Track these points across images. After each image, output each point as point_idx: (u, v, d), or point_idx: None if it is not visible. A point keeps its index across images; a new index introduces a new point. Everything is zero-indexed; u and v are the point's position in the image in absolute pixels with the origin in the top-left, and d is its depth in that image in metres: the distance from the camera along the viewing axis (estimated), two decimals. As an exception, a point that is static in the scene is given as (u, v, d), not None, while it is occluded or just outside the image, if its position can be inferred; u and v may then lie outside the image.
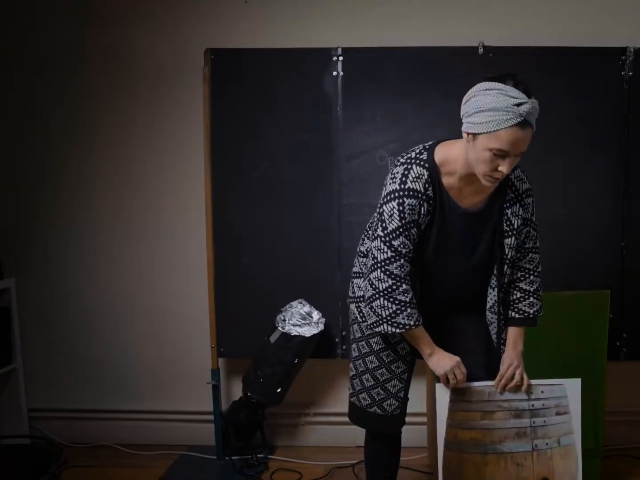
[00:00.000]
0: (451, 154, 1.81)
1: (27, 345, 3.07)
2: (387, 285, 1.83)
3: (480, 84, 1.70)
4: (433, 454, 2.73)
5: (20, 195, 3.06)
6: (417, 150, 1.84)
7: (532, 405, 1.90)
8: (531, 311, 2.00)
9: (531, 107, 1.63)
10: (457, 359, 1.89)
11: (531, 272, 2.00)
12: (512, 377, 1.91)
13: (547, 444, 1.91)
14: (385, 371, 2.00)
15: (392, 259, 1.82)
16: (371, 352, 2.01)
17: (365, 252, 2.02)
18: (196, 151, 2.84)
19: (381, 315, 1.85)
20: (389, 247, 1.82)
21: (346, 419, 2.49)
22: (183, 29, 2.90)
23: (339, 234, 2.76)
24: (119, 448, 3.04)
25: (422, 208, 1.80)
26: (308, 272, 2.78)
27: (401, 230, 1.80)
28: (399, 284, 1.83)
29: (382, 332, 1.88)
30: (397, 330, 1.85)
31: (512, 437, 1.89)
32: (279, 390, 2.72)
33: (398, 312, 1.83)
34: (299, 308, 2.71)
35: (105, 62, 2.95)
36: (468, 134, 1.72)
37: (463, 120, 1.74)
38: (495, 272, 1.93)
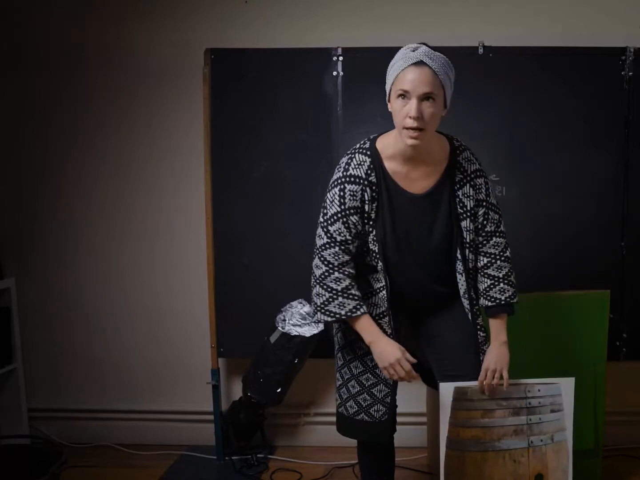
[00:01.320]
0: (389, 139, 1.88)
1: (27, 345, 3.07)
2: (320, 272, 1.87)
3: None
4: (433, 454, 2.73)
5: (20, 195, 3.06)
6: (362, 141, 1.91)
7: (529, 404, 1.93)
8: (503, 297, 1.96)
9: (426, 49, 1.75)
10: (400, 351, 1.84)
11: (497, 257, 1.97)
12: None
13: (541, 440, 1.94)
14: (370, 376, 1.99)
15: (327, 245, 1.86)
16: (355, 358, 2.00)
17: None
18: (196, 151, 2.84)
19: (317, 303, 1.88)
20: (325, 233, 1.87)
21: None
22: (183, 29, 2.90)
23: (339, 234, 2.76)
24: (119, 448, 3.04)
25: (365, 194, 1.85)
26: (308, 272, 2.76)
27: (339, 216, 1.85)
28: (331, 271, 1.85)
29: (319, 320, 1.89)
30: (328, 319, 1.86)
31: (509, 435, 1.92)
32: (279, 390, 2.72)
33: (330, 300, 1.85)
34: (299, 308, 2.71)
35: (105, 61, 2.95)
36: (388, 99, 1.82)
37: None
38: (459, 257, 1.93)
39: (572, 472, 2.00)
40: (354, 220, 1.85)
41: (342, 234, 1.85)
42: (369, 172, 1.85)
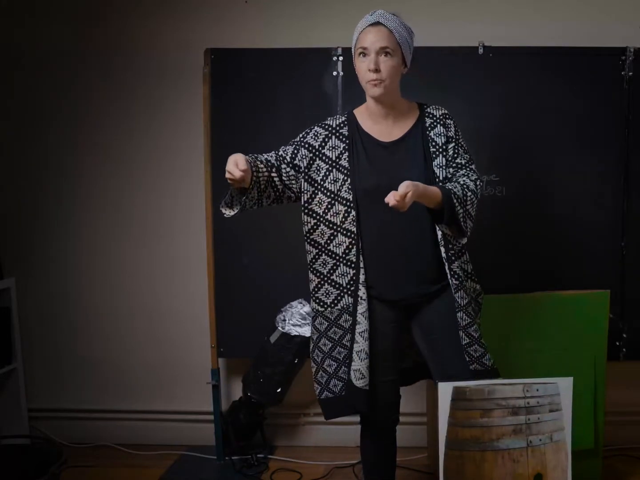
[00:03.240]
0: (363, 105, 2.05)
1: (27, 345, 3.07)
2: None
3: None
4: (433, 454, 2.73)
5: (20, 195, 3.06)
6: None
7: (528, 403, 1.93)
8: (453, 190, 1.89)
9: (382, 12, 1.93)
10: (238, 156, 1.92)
11: (467, 173, 1.98)
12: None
13: (540, 439, 1.94)
14: (341, 349, 1.99)
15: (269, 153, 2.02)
16: (320, 335, 2.01)
17: None
18: (196, 151, 2.84)
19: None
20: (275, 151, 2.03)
21: (346, 418, 2.48)
22: (183, 29, 2.90)
23: (339, 234, 2.76)
24: (119, 448, 3.04)
25: (330, 140, 1.99)
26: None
27: (293, 142, 2.03)
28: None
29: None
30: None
31: (508, 434, 1.92)
32: (279, 390, 2.72)
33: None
34: (299, 308, 2.71)
35: (105, 61, 2.95)
36: (354, 65, 1.98)
37: None
38: None
39: (572, 472, 2.00)
40: (303, 153, 1.99)
41: (285, 151, 2.01)
42: (341, 125, 2.01)
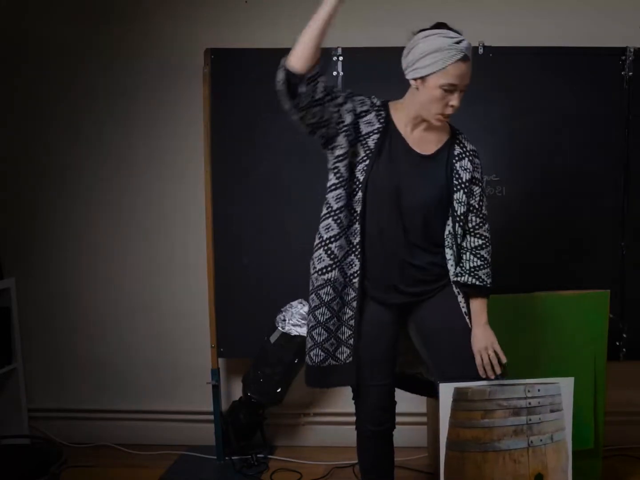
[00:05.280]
0: (401, 105, 1.98)
1: (27, 345, 3.07)
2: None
3: (417, 34, 1.90)
4: (433, 454, 2.73)
5: (20, 195, 3.06)
6: (372, 97, 2.01)
7: (529, 403, 1.93)
8: (489, 281, 1.99)
9: (468, 43, 1.84)
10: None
11: (489, 242, 2.02)
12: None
13: (541, 440, 1.94)
14: (337, 321, 1.98)
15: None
16: (321, 304, 1.99)
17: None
18: (196, 151, 2.84)
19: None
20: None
21: (346, 418, 2.48)
22: (183, 29, 2.90)
23: (339, 234, 2.76)
24: (119, 448, 3.04)
25: (369, 115, 1.93)
26: (308, 272, 2.77)
27: (342, 93, 1.92)
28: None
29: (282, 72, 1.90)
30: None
31: (509, 435, 1.92)
32: (279, 390, 2.72)
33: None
34: (299, 308, 2.71)
35: (105, 61, 2.95)
36: (416, 79, 1.87)
37: (407, 71, 1.90)
38: (450, 230, 1.95)
39: (572, 472, 2.00)
40: (348, 108, 1.90)
41: (336, 94, 1.89)
42: (380, 107, 1.95)
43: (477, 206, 1.99)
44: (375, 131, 1.92)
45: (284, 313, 2.69)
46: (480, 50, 2.67)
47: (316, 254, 2.00)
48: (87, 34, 2.94)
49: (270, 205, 2.78)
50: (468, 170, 1.96)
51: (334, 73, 2.72)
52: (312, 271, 2.04)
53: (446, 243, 1.97)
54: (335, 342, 1.99)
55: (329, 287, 1.96)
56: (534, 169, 2.73)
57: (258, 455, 2.87)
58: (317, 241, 1.99)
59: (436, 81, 1.83)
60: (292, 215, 2.78)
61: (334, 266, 1.96)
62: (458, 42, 1.81)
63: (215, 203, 2.78)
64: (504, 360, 1.94)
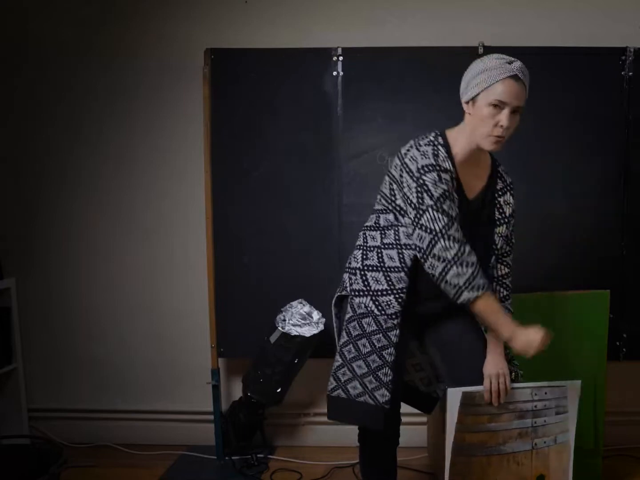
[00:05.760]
0: (458, 138, 1.91)
1: (27, 345, 3.07)
2: (454, 251, 1.80)
3: (473, 62, 1.88)
4: (433, 454, 2.73)
5: (21, 195, 3.06)
6: (433, 135, 1.91)
7: (535, 406, 1.93)
8: (512, 310, 2.03)
9: (521, 65, 1.81)
10: (540, 330, 1.85)
11: (511, 270, 2.06)
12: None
13: (545, 442, 1.94)
14: (376, 357, 1.94)
15: (450, 224, 1.81)
16: (363, 335, 1.95)
17: (383, 228, 1.97)
18: (196, 151, 2.84)
19: (459, 284, 1.79)
20: (442, 213, 1.82)
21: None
22: (183, 29, 2.90)
23: (339, 234, 2.76)
24: (119, 448, 3.04)
25: (454, 185, 1.87)
26: (308, 272, 2.78)
27: (447, 195, 1.83)
28: (464, 247, 1.80)
29: (464, 301, 1.81)
30: (479, 292, 1.78)
31: (514, 438, 1.92)
32: (279, 390, 2.72)
33: (474, 273, 1.79)
34: (299, 308, 2.71)
35: (105, 61, 2.95)
36: (468, 102, 1.85)
37: (462, 96, 1.87)
38: (489, 263, 1.98)
39: (572, 472, 1.99)
40: (456, 197, 1.86)
41: (454, 210, 1.84)
42: (452, 167, 1.87)
43: (509, 235, 2.03)
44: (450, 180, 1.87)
45: (284, 313, 2.69)
46: (480, 50, 2.67)
47: (385, 299, 1.93)
48: (87, 34, 2.94)
49: (270, 205, 2.78)
50: (510, 205, 1.99)
51: (334, 73, 2.72)
52: (375, 312, 1.95)
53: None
54: (375, 381, 1.94)
55: (397, 329, 1.93)
56: (534, 169, 2.73)
57: (258, 455, 2.87)
58: (385, 284, 1.92)
59: (485, 99, 1.80)
60: (292, 215, 2.78)
61: (399, 312, 1.93)
62: (510, 63, 1.80)
63: (215, 203, 2.79)
64: (508, 392, 1.91)
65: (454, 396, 1.91)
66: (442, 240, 1.81)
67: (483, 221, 1.96)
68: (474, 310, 1.84)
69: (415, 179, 1.84)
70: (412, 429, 2.80)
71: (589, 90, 2.68)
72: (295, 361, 2.68)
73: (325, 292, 2.74)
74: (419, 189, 1.84)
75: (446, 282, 1.82)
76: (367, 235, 2.01)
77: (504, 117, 1.79)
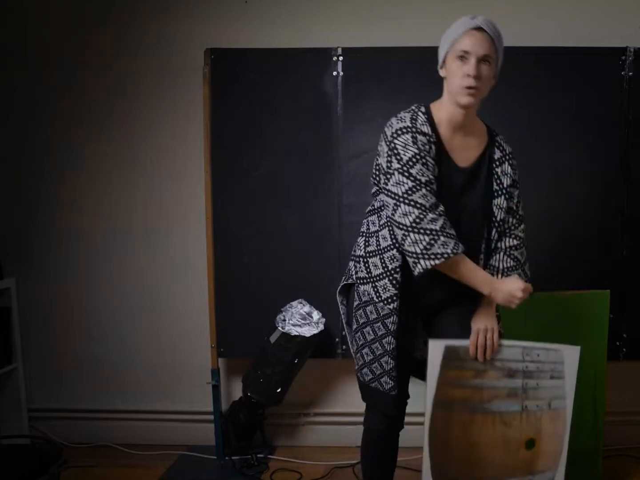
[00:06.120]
0: (440, 105, 1.93)
1: (27, 345, 3.07)
2: (413, 217, 1.79)
3: None
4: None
5: (21, 195, 3.06)
6: (416, 105, 1.93)
7: (527, 367, 1.86)
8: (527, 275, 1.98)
9: (485, 18, 1.83)
10: (519, 280, 1.84)
11: (524, 243, 2.01)
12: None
13: (537, 406, 1.86)
14: (379, 345, 1.94)
15: (414, 189, 1.79)
16: (367, 323, 1.95)
17: (378, 210, 1.95)
18: (196, 151, 2.84)
19: (415, 251, 1.79)
20: (407, 177, 1.80)
21: (346, 418, 2.48)
22: (183, 29, 2.90)
23: (339, 234, 2.76)
24: (119, 448, 3.04)
25: (431, 151, 1.84)
26: (308, 272, 2.78)
27: (417, 157, 1.81)
28: (425, 213, 1.78)
29: (421, 271, 1.79)
30: (435, 262, 1.77)
31: (502, 397, 1.84)
32: (279, 390, 2.72)
33: (432, 242, 1.77)
34: (299, 308, 2.71)
35: (105, 61, 2.95)
36: (442, 67, 1.90)
37: (438, 67, 1.92)
38: (485, 235, 1.95)
39: (572, 472, 1.98)
40: (431, 162, 1.84)
41: (425, 175, 1.81)
42: (432, 132, 1.86)
43: (514, 208, 1.98)
44: (433, 159, 1.85)
45: (284, 313, 2.69)
46: (480, 50, 2.67)
47: (381, 283, 1.92)
48: (87, 34, 2.94)
49: (270, 205, 2.78)
50: (509, 175, 1.95)
51: (334, 73, 2.72)
52: (374, 299, 1.94)
53: (480, 248, 1.96)
54: (380, 368, 1.95)
55: (394, 316, 1.91)
56: (534, 169, 2.72)
57: (258, 455, 2.87)
58: (380, 269, 1.92)
59: (452, 55, 1.84)
60: (292, 215, 2.78)
61: (396, 295, 1.91)
62: (473, 18, 1.84)
63: (215, 203, 2.79)
64: (495, 348, 1.86)
65: (436, 348, 1.85)
66: (402, 205, 1.81)
67: (478, 191, 1.92)
68: (448, 274, 1.84)
69: (388, 142, 1.85)
70: (412, 429, 2.79)
71: (589, 90, 2.68)
72: (295, 361, 2.68)
73: (325, 292, 2.75)
74: (389, 152, 1.84)
75: (405, 250, 1.81)
76: (368, 221, 2.01)
77: (470, 66, 1.81)
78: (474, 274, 1.85)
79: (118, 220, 3.03)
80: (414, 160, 1.81)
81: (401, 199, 1.80)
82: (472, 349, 1.87)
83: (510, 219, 1.98)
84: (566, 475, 2.20)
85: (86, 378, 3.12)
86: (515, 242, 1.98)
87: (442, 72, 1.91)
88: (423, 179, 1.80)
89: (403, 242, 1.81)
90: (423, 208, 1.79)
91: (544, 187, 2.73)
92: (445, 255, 1.77)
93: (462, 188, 1.91)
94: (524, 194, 2.70)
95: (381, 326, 1.93)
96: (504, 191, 1.94)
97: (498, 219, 1.94)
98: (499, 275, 1.96)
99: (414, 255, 1.80)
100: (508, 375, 1.85)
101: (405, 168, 1.81)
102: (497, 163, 1.95)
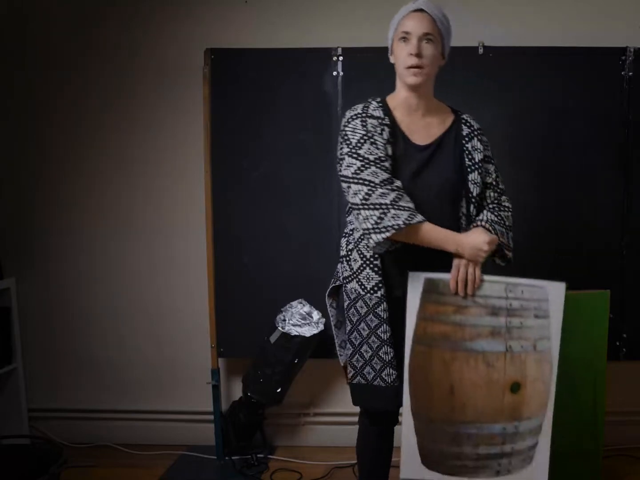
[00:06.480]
0: (394, 93, 2.00)
1: (27, 345, 3.07)
2: (362, 195, 1.81)
3: None
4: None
5: (20, 195, 3.06)
6: (371, 97, 2.01)
7: (510, 305, 1.78)
8: (503, 240, 1.95)
9: (424, 1, 1.89)
10: (484, 233, 1.84)
11: (509, 210, 2.04)
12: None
13: (522, 346, 1.79)
14: (375, 338, 1.92)
15: (362, 167, 1.83)
16: (360, 319, 1.94)
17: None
18: (196, 151, 2.84)
19: (367, 227, 1.81)
20: (356, 158, 1.84)
21: (346, 418, 2.47)
22: (183, 29, 2.90)
23: (339, 234, 2.74)
24: (119, 448, 3.04)
25: (384, 132, 1.89)
26: (308, 272, 2.78)
27: (365, 138, 1.86)
28: (373, 189, 1.80)
29: (374, 245, 1.81)
30: (387, 234, 1.77)
31: (485, 336, 1.77)
32: (279, 390, 2.72)
33: (382, 216, 1.78)
34: (299, 308, 2.71)
35: (105, 61, 2.95)
36: (390, 52, 1.96)
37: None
38: (464, 212, 1.96)
39: (572, 472, 1.97)
40: (381, 141, 1.87)
41: (373, 153, 1.84)
42: (385, 115, 1.92)
43: (494, 183, 2.01)
44: (387, 141, 1.89)
45: (284, 313, 2.69)
46: (480, 50, 2.67)
47: (363, 274, 1.93)
48: (87, 34, 2.94)
49: (270, 205, 2.78)
50: (479, 150, 1.96)
51: (334, 73, 2.72)
52: (360, 292, 1.95)
53: (461, 224, 1.96)
54: (379, 361, 1.93)
55: (384, 303, 1.90)
56: (534, 169, 2.73)
57: (258, 455, 2.87)
58: (359, 261, 1.93)
59: (396, 39, 1.91)
60: (292, 215, 2.78)
61: (380, 282, 1.91)
62: (414, 2, 1.90)
63: (215, 203, 2.79)
64: (476, 284, 1.81)
65: (415, 280, 1.81)
66: (352, 185, 1.84)
67: (446, 167, 1.93)
68: (416, 243, 1.83)
69: (340, 132, 1.92)
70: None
71: (589, 90, 2.68)
72: (295, 361, 2.68)
73: (325, 292, 2.75)
74: (341, 140, 1.91)
75: (362, 230, 1.84)
76: (347, 221, 2.05)
77: (412, 45, 1.86)
78: (436, 235, 1.83)
79: (118, 220, 3.03)
80: (361, 141, 1.86)
81: (351, 180, 1.85)
82: (453, 283, 1.82)
83: (491, 194, 2.01)
84: (566, 476, 2.19)
85: (86, 378, 3.12)
86: (493, 217, 1.96)
87: (391, 59, 1.97)
88: (371, 157, 1.84)
89: (359, 222, 1.84)
90: (372, 184, 1.81)
91: (544, 186, 2.73)
92: (396, 227, 1.77)
93: (425, 166, 1.92)
94: (524, 193, 2.73)
95: (373, 317, 1.92)
96: (477, 166, 1.95)
97: (474, 194, 1.94)
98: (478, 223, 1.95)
99: (367, 232, 1.82)
100: (491, 312, 1.78)
101: (354, 150, 1.86)
102: (466, 139, 1.97)
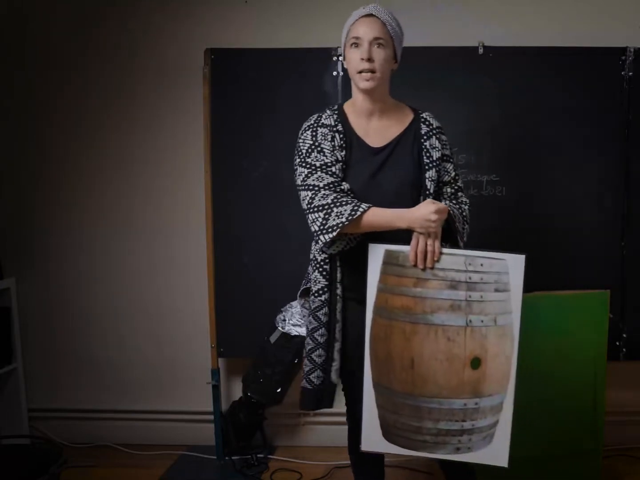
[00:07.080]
0: (351, 99, 2.00)
1: (27, 345, 3.07)
2: (307, 200, 1.85)
3: None
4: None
5: (20, 195, 3.06)
6: (330, 106, 2.03)
7: (470, 278, 1.75)
8: (458, 225, 1.93)
9: (375, 5, 1.90)
10: (430, 203, 1.81)
11: (466, 204, 2.02)
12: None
13: (482, 321, 1.75)
14: (309, 340, 1.98)
15: (309, 174, 1.87)
16: (320, 326, 1.96)
17: None
18: (196, 151, 2.84)
19: (315, 230, 1.84)
20: (304, 167, 1.88)
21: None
22: (183, 29, 2.90)
23: (339, 234, 2.76)
24: (119, 448, 3.04)
25: (335, 140, 1.91)
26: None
27: (313, 147, 1.90)
28: (316, 192, 1.84)
29: (322, 244, 1.85)
30: (334, 234, 1.79)
31: (445, 309, 1.75)
32: (279, 390, 2.72)
33: (326, 216, 1.81)
34: (298, 308, 2.70)
35: (105, 61, 2.95)
36: (344, 57, 1.96)
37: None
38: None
39: (571, 472, 1.97)
40: (329, 148, 1.89)
41: (319, 160, 1.88)
42: (337, 122, 1.94)
43: (452, 181, 2.00)
44: (341, 148, 1.91)
45: (284, 313, 2.69)
46: (480, 50, 2.67)
47: (313, 276, 1.97)
48: (87, 33, 2.94)
49: (270, 205, 2.78)
50: (437, 149, 1.96)
51: (334, 73, 2.72)
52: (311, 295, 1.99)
53: None
54: (310, 363, 2.00)
55: (326, 308, 1.95)
56: (534, 169, 2.73)
57: (258, 455, 2.87)
58: (312, 265, 1.99)
59: (348, 45, 1.92)
60: (292, 215, 2.77)
61: (325, 287, 1.94)
62: (364, 7, 1.91)
63: (215, 203, 2.79)
64: (436, 257, 1.77)
65: (375, 252, 1.81)
66: (301, 192, 1.89)
67: (404, 167, 1.93)
68: (368, 230, 1.83)
69: (296, 145, 1.95)
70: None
71: (589, 90, 2.68)
72: (295, 361, 2.68)
73: (325, 292, 2.75)
74: (295, 152, 1.94)
75: (309, 225, 1.87)
76: None
77: (362, 50, 1.87)
78: (385, 216, 1.82)
79: (118, 220, 3.03)
80: (309, 150, 1.90)
81: (300, 187, 1.90)
82: (412, 255, 1.79)
83: (448, 189, 2.00)
84: (566, 476, 2.19)
85: (86, 378, 3.12)
86: (450, 203, 1.95)
87: (344, 64, 1.97)
88: (317, 164, 1.87)
89: (310, 226, 1.87)
90: (316, 189, 1.85)
91: (544, 186, 2.73)
92: (341, 225, 1.79)
93: (381, 168, 1.92)
94: (524, 193, 2.73)
95: (312, 320, 1.96)
96: (434, 164, 1.94)
97: (431, 191, 1.93)
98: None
99: (316, 234, 1.85)
100: (451, 286, 1.76)
101: (302, 159, 1.90)
102: (425, 138, 1.96)
